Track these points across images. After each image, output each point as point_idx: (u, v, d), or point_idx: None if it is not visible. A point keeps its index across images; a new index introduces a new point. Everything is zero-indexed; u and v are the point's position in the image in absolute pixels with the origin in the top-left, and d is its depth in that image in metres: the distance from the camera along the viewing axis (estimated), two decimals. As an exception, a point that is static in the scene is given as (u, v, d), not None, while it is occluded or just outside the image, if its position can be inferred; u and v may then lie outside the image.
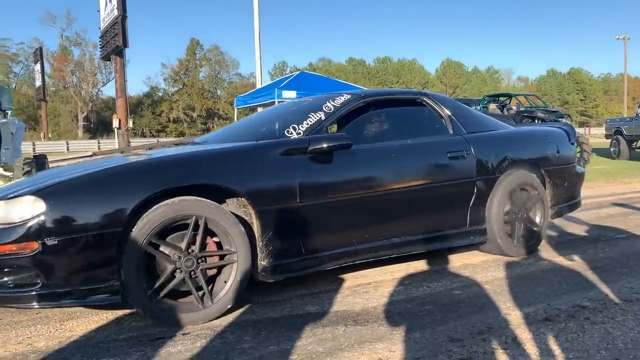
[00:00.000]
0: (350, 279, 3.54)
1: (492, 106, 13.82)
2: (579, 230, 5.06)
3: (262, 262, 3.00)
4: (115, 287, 2.60)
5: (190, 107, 57.74)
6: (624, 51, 45.03)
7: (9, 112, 9.78)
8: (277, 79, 17.33)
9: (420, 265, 3.85)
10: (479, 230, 3.87)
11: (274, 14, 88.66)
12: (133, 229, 2.62)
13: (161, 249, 2.73)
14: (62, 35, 53.93)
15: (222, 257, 2.88)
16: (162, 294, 2.70)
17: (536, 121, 12.64)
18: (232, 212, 2.94)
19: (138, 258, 2.63)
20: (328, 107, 3.52)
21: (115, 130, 16.57)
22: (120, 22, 14.60)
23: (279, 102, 11.73)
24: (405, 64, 71.65)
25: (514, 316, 2.78)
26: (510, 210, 3.95)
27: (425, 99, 4.00)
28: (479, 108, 14.39)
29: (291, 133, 3.31)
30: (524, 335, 2.52)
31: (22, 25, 78.97)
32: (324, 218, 3.21)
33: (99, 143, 36.43)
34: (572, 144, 4.60)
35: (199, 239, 2.77)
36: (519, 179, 3.99)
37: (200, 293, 2.79)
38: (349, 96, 3.69)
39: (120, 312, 2.96)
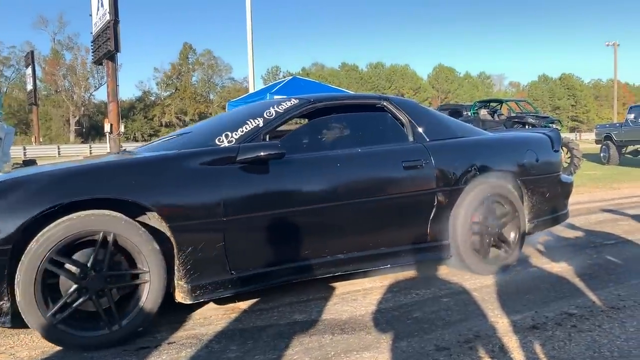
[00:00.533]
0: (340, 287, 3.53)
1: (483, 112, 13.88)
2: (569, 237, 5.08)
3: (180, 282, 2.77)
4: (4, 308, 2.42)
5: (182, 112, 57.64)
6: (613, 57, 45.40)
7: (-1, 115, 9.73)
8: (270, 84, 17.32)
9: (410, 272, 3.84)
10: (442, 245, 3.57)
11: (267, 19, 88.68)
12: (31, 245, 2.42)
13: (66, 266, 2.51)
14: (54, 39, 53.75)
15: (135, 276, 2.66)
16: (64, 314, 2.47)
17: (527, 127, 12.72)
18: (155, 228, 2.74)
19: (36, 276, 2.41)
20: (269, 113, 3.26)
21: (107, 134, 16.49)
22: (112, 26, 14.56)
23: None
24: (397, 69, 71.88)
25: (501, 324, 2.78)
26: (478, 224, 3.67)
27: (386, 105, 3.71)
28: (470, 114, 14.46)
29: (222, 141, 3.05)
30: (511, 343, 2.52)
31: (14, 28, 78.64)
32: (255, 235, 2.96)
33: (90, 147, 36.23)
34: (556, 151, 4.28)
35: (107, 256, 2.55)
36: (489, 190, 3.70)
37: (110, 314, 2.58)
38: (296, 101, 3.44)
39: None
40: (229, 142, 3.04)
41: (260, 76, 67.07)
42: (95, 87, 55.14)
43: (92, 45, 17.83)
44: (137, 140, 48.70)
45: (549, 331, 2.66)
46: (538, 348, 2.46)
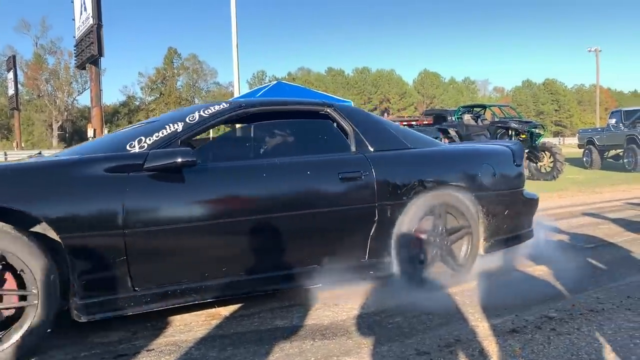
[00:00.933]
0: (322, 292, 3.50)
1: (467, 117, 13.98)
2: (551, 240, 5.12)
3: (75, 299, 2.55)
4: None
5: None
6: (596, 63, 46.07)
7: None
8: (254, 89, 17.29)
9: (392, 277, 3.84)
10: (383, 263, 3.34)
11: (253, 23, 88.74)
12: None
13: None
14: (36, 44, 53.17)
15: (22, 297, 2.41)
16: None
17: (510, 132, 12.84)
18: (56, 240, 2.50)
19: None
20: (192, 118, 3.04)
21: (90, 139, 16.34)
22: (96, 30, 14.44)
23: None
24: (383, 74, 72.26)
25: (481, 328, 2.79)
26: (422, 241, 3.45)
27: (329, 112, 3.47)
28: (454, 119, 14.56)
29: (133, 146, 2.81)
30: (491, 347, 2.53)
31: (-4, 32, 77.75)
32: (163, 249, 2.72)
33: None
34: (518, 165, 3.96)
35: None
36: (436, 205, 3.46)
37: None
38: (226, 105, 3.22)
39: (83, 328, 2.88)
40: (140, 147, 2.81)
41: (246, 81, 67.03)
42: (78, 91, 54.66)
43: (75, 50, 17.66)
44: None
45: (528, 335, 2.67)
46: (517, 351, 2.47)
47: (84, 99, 56.01)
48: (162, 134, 2.91)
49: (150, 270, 2.71)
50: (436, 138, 12.73)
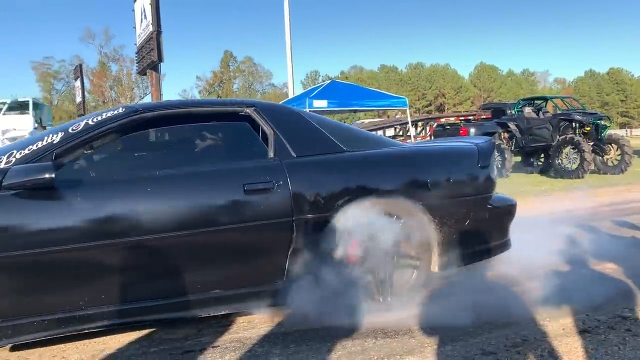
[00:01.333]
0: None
1: (528, 110, 13.51)
2: (622, 236, 4.88)
3: None
4: None
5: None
6: (666, 49, 43.43)
7: (49, 127, 10.14)
8: (308, 89, 17.40)
9: (458, 275, 3.76)
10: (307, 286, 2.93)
11: (306, 24, 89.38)
12: None
13: None
14: (100, 52, 55.61)
15: None
16: None
17: (573, 125, 12.33)
18: None
19: None
20: (76, 127, 2.71)
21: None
22: (155, 37, 14.91)
23: (309, 112, 11.78)
24: (438, 69, 71.07)
25: (550, 328, 2.69)
26: (357, 259, 3.00)
27: (250, 112, 3.05)
28: (514, 112, 14.12)
29: (1, 161, 2.55)
30: (561, 347, 2.44)
31: (64, 43, 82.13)
32: (23, 277, 2.43)
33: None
34: (484, 167, 3.34)
35: None
36: (371, 217, 2.97)
37: None
38: (120, 111, 2.87)
39: (151, 326, 2.99)
40: (7, 162, 2.53)
41: (300, 81, 67.62)
42: (140, 97, 56.69)
43: (136, 57, 18.32)
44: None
45: (601, 335, 2.56)
46: (590, 352, 2.37)
47: (145, 104, 58.11)
48: (36, 146, 2.62)
49: (7, 299, 2.44)
50: (493, 133, 12.42)
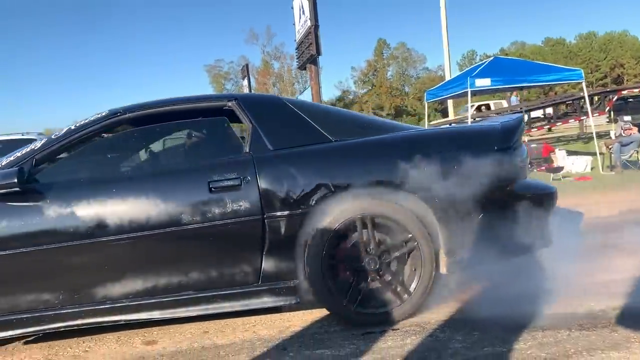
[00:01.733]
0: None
1: None
2: None
3: None
4: None
5: (379, 107, 58.97)
6: None
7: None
8: (469, 68, 16.65)
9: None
10: (284, 287, 2.73)
11: (459, 1, 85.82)
12: None
13: None
14: (263, 51, 59.21)
15: None
16: None
17: None
18: None
19: None
20: (57, 133, 2.87)
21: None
22: (314, 31, 15.45)
23: (471, 92, 11.24)
24: (613, 37, 63.53)
25: None
26: (342, 261, 2.76)
27: (232, 106, 2.96)
28: None
29: None
30: None
31: (232, 46, 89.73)
32: (6, 273, 2.62)
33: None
34: (503, 149, 2.85)
35: None
36: (357, 214, 2.70)
37: None
38: (102, 114, 2.91)
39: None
40: None
41: (456, 62, 65.22)
42: (300, 91, 59.46)
43: (296, 52, 19.18)
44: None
45: None
46: None
47: (305, 98, 60.87)
48: (21, 152, 2.81)
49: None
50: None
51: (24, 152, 2.81)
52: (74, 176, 2.84)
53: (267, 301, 2.74)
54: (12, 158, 2.80)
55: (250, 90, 36.09)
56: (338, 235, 2.71)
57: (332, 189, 2.71)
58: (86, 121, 2.90)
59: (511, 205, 2.84)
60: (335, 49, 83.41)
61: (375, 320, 2.71)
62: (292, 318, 2.96)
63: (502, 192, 2.84)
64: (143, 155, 3.28)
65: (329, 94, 63.84)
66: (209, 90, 58.43)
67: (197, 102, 3.08)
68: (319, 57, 16.47)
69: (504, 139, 2.90)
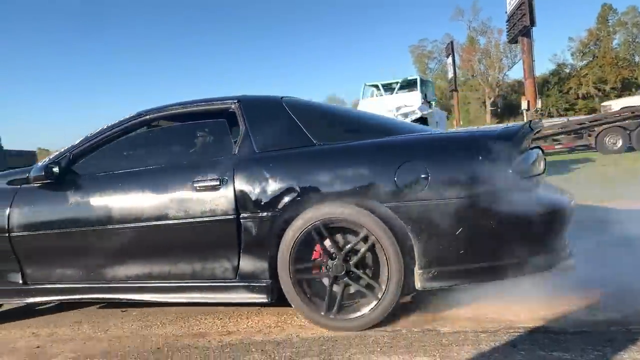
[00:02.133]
0: None
1: None
2: None
3: None
4: None
5: (601, 80, 52.64)
6: None
7: (433, 102, 11.06)
8: None
9: None
10: (258, 286, 2.87)
11: None
12: None
13: None
14: (469, 27, 57.15)
15: None
16: None
17: None
18: None
19: None
20: (93, 132, 3.29)
21: (524, 112, 16.69)
22: (527, 1, 14.59)
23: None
24: None
25: None
26: (311, 265, 2.85)
27: (234, 108, 3.16)
28: None
29: (45, 161, 3.24)
30: None
31: (436, 25, 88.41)
32: (41, 249, 3.22)
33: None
34: (490, 160, 2.57)
35: None
36: (319, 220, 2.74)
37: None
38: (132, 114, 3.32)
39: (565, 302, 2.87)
40: (47, 161, 3.23)
41: None
42: (508, 66, 56.19)
43: (506, 25, 18.33)
44: (552, 116, 47.27)
45: None
46: None
47: (513, 74, 57.30)
48: (64, 148, 3.29)
49: (36, 266, 3.29)
50: None
51: (66, 148, 3.33)
52: (96, 170, 3.29)
53: (244, 297, 2.94)
54: (57, 153, 3.36)
55: (454, 68, 35.38)
56: (304, 240, 2.81)
57: (300, 194, 2.79)
58: (115, 122, 3.34)
59: (501, 219, 2.59)
60: (548, 20, 76.48)
61: (349, 325, 2.77)
62: (519, 313, 2.79)
63: (489, 204, 2.59)
64: (150, 153, 3.60)
65: (541, 68, 59.26)
66: (411, 70, 58.69)
67: (203, 105, 3.33)
68: (533, 28, 15.51)
69: (492, 149, 2.64)
